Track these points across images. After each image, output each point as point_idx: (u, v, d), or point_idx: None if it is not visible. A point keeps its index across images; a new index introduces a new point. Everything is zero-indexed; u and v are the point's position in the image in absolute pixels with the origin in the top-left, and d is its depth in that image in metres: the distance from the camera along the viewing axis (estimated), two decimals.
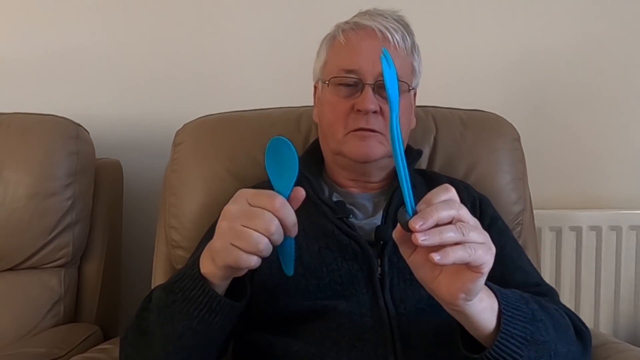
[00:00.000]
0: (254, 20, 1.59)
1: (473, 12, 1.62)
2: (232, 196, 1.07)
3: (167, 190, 1.26)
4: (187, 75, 1.59)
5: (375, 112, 0.96)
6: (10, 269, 1.27)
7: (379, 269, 0.90)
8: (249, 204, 0.66)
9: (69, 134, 1.29)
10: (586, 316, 1.61)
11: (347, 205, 0.98)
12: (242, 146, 1.24)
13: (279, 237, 0.66)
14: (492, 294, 0.73)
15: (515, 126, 1.29)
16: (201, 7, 1.58)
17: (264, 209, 0.65)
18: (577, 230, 1.61)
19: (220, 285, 0.73)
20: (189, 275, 0.73)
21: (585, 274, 1.62)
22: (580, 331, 0.86)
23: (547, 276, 1.59)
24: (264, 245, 0.65)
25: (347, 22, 1.04)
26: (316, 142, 1.10)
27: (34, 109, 1.33)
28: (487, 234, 0.67)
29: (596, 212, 1.62)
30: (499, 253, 0.98)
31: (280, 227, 0.65)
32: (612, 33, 1.65)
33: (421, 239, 0.61)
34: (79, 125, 1.33)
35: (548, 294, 0.93)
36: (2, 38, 1.56)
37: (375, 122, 0.97)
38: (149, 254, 1.31)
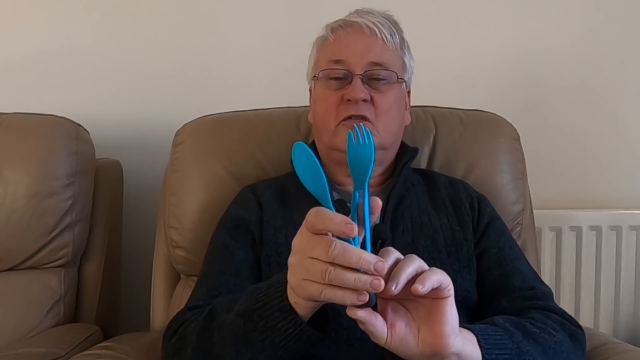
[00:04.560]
0: (253, 21, 1.59)
1: (472, 12, 1.62)
2: (232, 196, 1.09)
3: (167, 190, 1.26)
4: (187, 75, 1.59)
5: (365, 100, 0.98)
6: (10, 269, 1.27)
7: None
8: (310, 232, 0.64)
9: (69, 134, 1.29)
10: (586, 316, 1.62)
11: (347, 204, 0.99)
12: (242, 146, 1.24)
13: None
14: (474, 338, 0.73)
15: (515, 126, 1.29)
16: (201, 7, 1.58)
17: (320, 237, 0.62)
18: (577, 230, 1.61)
19: (305, 314, 0.70)
20: (275, 306, 0.70)
21: (585, 274, 1.62)
22: (575, 335, 0.87)
23: (547, 276, 1.59)
24: (333, 273, 0.61)
25: (335, 21, 1.06)
26: (313, 144, 1.11)
27: (34, 109, 1.34)
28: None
29: (596, 212, 1.62)
30: (497, 254, 0.99)
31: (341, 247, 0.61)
32: (612, 32, 1.65)
33: (393, 288, 0.62)
34: (79, 125, 1.33)
35: (542, 297, 0.93)
36: (2, 38, 1.56)
37: (366, 110, 0.98)
38: (149, 254, 1.31)
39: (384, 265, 0.61)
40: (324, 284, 0.61)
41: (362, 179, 0.65)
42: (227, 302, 0.79)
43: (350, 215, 0.63)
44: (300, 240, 0.64)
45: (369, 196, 0.65)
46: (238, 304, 0.75)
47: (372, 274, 0.60)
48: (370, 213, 0.64)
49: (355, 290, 0.61)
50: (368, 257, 0.60)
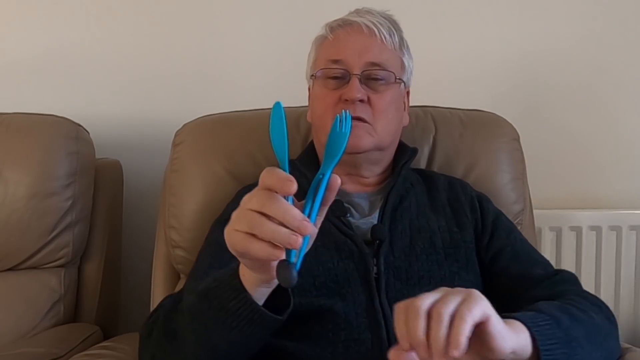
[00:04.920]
0: (254, 20, 1.59)
1: (472, 12, 1.62)
2: (231, 196, 1.09)
3: (167, 190, 1.26)
4: (187, 75, 1.59)
5: (362, 100, 0.98)
6: (10, 269, 1.27)
7: (375, 268, 0.90)
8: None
9: (69, 134, 1.29)
10: None
11: (345, 204, 0.99)
12: (242, 146, 1.24)
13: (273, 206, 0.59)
14: (524, 327, 0.69)
15: (514, 126, 1.30)
16: (201, 7, 1.58)
17: (266, 190, 0.60)
18: (577, 230, 1.61)
19: (257, 295, 0.68)
20: (227, 284, 0.69)
21: (585, 274, 1.61)
22: (611, 319, 0.86)
23: None
24: (256, 221, 0.59)
25: (334, 20, 1.06)
26: (313, 142, 1.11)
27: (34, 109, 1.34)
28: (460, 290, 0.63)
29: (596, 212, 1.62)
30: (511, 251, 0.98)
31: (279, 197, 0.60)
32: (612, 33, 1.65)
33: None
34: (79, 125, 1.33)
35: (569, 279, 0.93)
36: (2, 38, 1.56)
37: (363, 111, 0.98)
38: (149, 254, 1.31)
39: (309, 226, 0.59)
40: (246, 232, 0.60)
41: (328, 164, 0.64)
42: (195, 285, 0.78)
43: (309, 191, 0.62)
44: (247, 197, 0.62)
45: (331, 174, 0.64)
46: (201, 285, 0.75)
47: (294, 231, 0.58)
48: (328, 190, 0.63)
49: (273, 245, 0.59)
50: (294, 213, 0.58)
